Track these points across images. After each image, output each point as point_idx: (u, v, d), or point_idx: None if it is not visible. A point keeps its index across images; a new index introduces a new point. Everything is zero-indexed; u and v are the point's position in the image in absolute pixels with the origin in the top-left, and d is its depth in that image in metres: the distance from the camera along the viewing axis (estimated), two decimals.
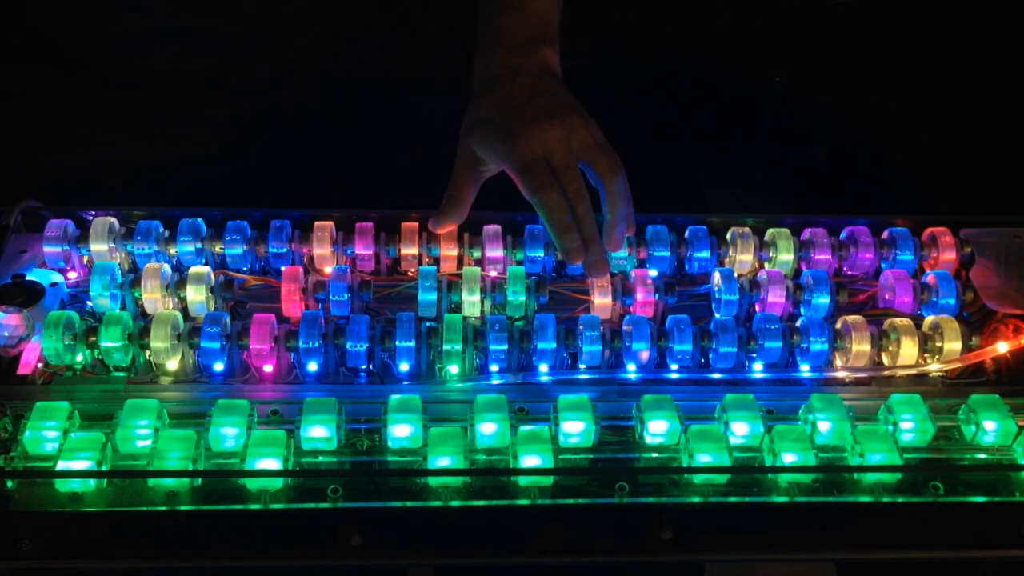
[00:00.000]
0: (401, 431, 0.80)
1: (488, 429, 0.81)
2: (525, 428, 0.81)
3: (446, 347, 0.87)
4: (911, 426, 0.83)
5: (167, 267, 0.92)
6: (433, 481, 0.78)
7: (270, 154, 1.17)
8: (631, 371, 0.88)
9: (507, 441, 0.81)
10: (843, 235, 1.00)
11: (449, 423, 0.82)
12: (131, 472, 0.78)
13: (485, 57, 0.97)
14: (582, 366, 0.89)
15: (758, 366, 0.90)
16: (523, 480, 0.79)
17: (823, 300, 0.93)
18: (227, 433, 0.80)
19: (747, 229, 0.98)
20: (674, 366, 0.89)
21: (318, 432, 0.80)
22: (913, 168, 1.62)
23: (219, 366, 0.87)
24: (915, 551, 0.80)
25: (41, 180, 1.10)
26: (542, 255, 0.97)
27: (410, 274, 0.97)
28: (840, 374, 0.90)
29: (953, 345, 0.89)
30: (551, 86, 0.93)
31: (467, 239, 0.97)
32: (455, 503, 0.78)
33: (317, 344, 0.87)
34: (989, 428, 0.83)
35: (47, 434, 0.78)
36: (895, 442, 0.81)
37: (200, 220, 0.96)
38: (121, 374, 0.87)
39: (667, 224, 0.98)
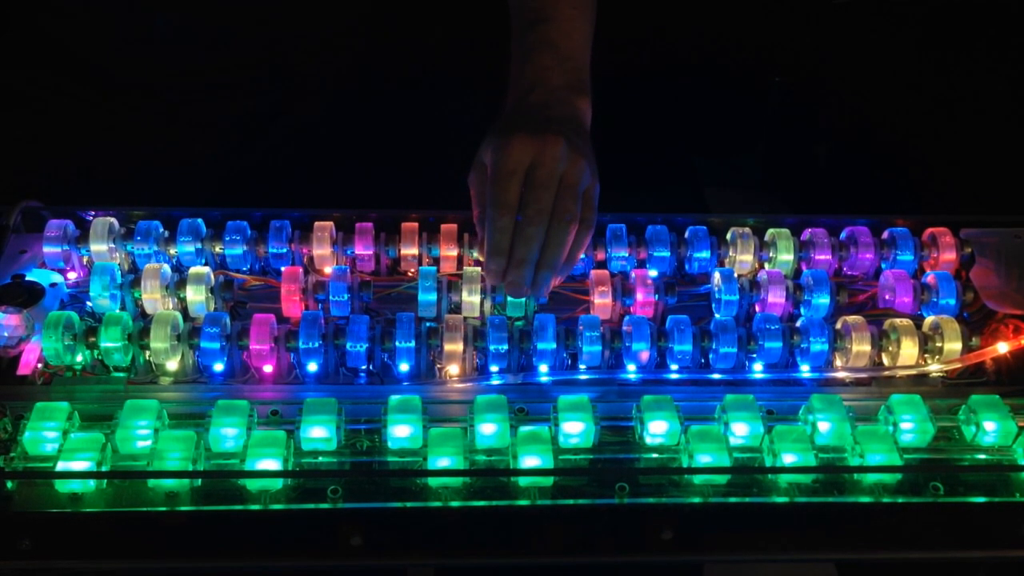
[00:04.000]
0: (401, 431, 0.80)
1: (488, 429, 0.81)
2: (525, 428, 0.81)
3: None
4: (911, 426, 0.83)
5: (167, 267, 0.92)
6: (433, 482, 0.78)
7: (270, 154, 1.17)
8: (631, 371, 0.88)
9: (507, 441, 0.81)
10: (843, 235, 1.00)
11: (449, 423, 0.82)
12: (131, 472, 0.78)
13: (524, 88, 0.94)
14: (582, 366, 0.89)
15: (758, 366, 0.90)
16: (523, 481, 0.79)
17: (823, 300, 0.93)
18: (227, 433, 0.80)
19: (747, 229, 0.98)
20: (674, 366, 0.89)
21: (318, 432, 0.80)
22: (913, 168, 1.61)
23: (219, 366, 0.87)
24: (915, 551, 0.80)
25: (41, 180, 1.10)
26: None
27: (410, 274, 0.97)
28: (840, 374, 0.90)
29: (953, 345, 0.89)
30: (577, 130, 0.91)
31: (467, 239, 0.97)
32: (455, 503, 0.78)
33: (317, 344, 0.87)
34: (989, 428, 0.83)
35: (47, 434, 0.78)
36: (895, 442, 0.81)
37: (200, 220, 0.96)
38: (121, 374, 0.87)
39: (667, 224, 0.98)
